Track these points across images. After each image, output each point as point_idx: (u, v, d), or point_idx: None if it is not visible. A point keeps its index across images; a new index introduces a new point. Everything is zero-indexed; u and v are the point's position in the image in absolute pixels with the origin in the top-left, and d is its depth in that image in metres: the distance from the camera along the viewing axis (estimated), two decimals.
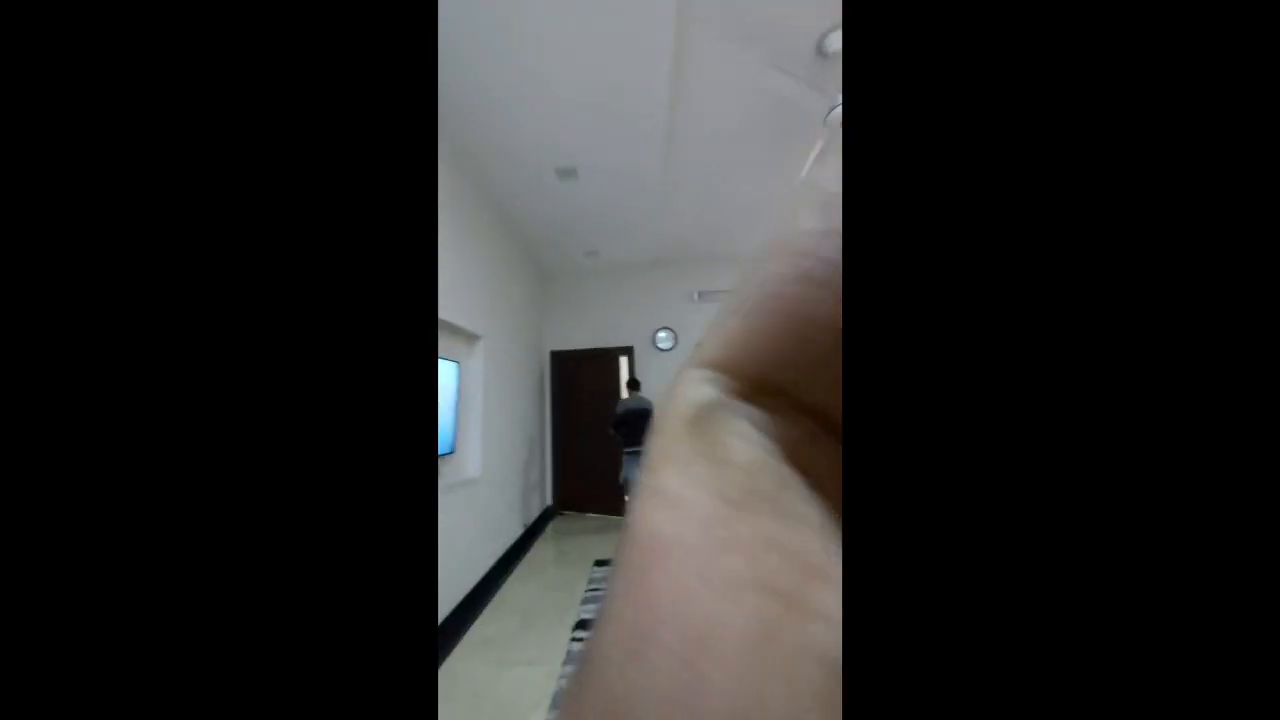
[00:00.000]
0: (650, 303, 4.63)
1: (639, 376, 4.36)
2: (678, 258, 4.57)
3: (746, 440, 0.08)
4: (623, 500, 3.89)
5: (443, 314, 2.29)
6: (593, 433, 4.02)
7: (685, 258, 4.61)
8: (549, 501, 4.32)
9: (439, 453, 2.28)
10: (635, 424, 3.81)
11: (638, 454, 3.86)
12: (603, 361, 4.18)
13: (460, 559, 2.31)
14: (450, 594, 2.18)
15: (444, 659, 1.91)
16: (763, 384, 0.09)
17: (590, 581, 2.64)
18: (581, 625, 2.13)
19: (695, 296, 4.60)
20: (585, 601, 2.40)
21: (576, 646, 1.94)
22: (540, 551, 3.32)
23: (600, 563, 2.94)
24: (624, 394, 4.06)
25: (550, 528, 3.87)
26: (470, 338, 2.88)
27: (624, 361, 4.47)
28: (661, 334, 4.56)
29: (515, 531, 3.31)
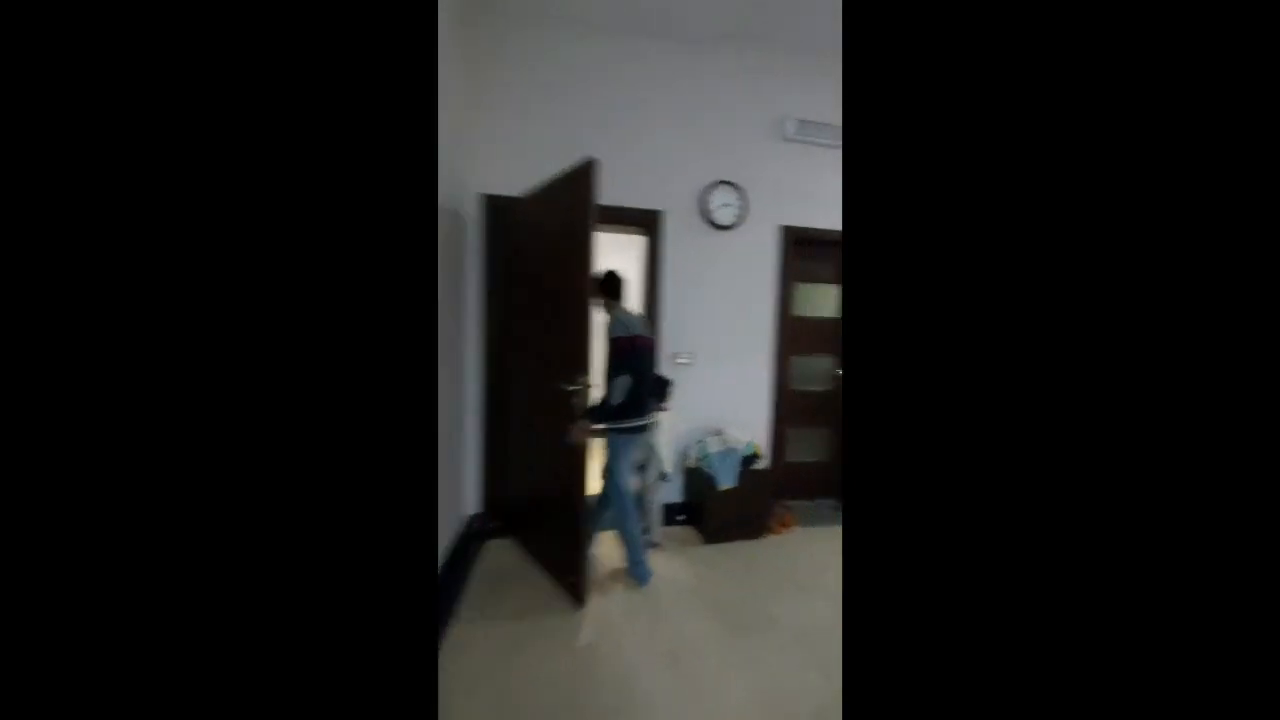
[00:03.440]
0: (706, 128, 2.29)
1: (671, 267, 2.13)
2: (772, 38, 2.22)
3: None
4: (579, 543, 1.74)
5: None
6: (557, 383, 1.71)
7: (780, 51, 2.28)
8: (471, 510, 2.11)
9: None
10: (635, 370, 1.57)
11: (638, 432, 1.15)
12: (581, 237, 1.58)
13: None
14: None
15: None
16: None
17: None
18: None
19: (789, 128, 2.36)
20: None
21: None
22: None
23: None
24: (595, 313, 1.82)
25: (472, 599, 1.69)
26: None
27: (636, 248, 1.99)
28: (718, 195, 2.30)
29: None
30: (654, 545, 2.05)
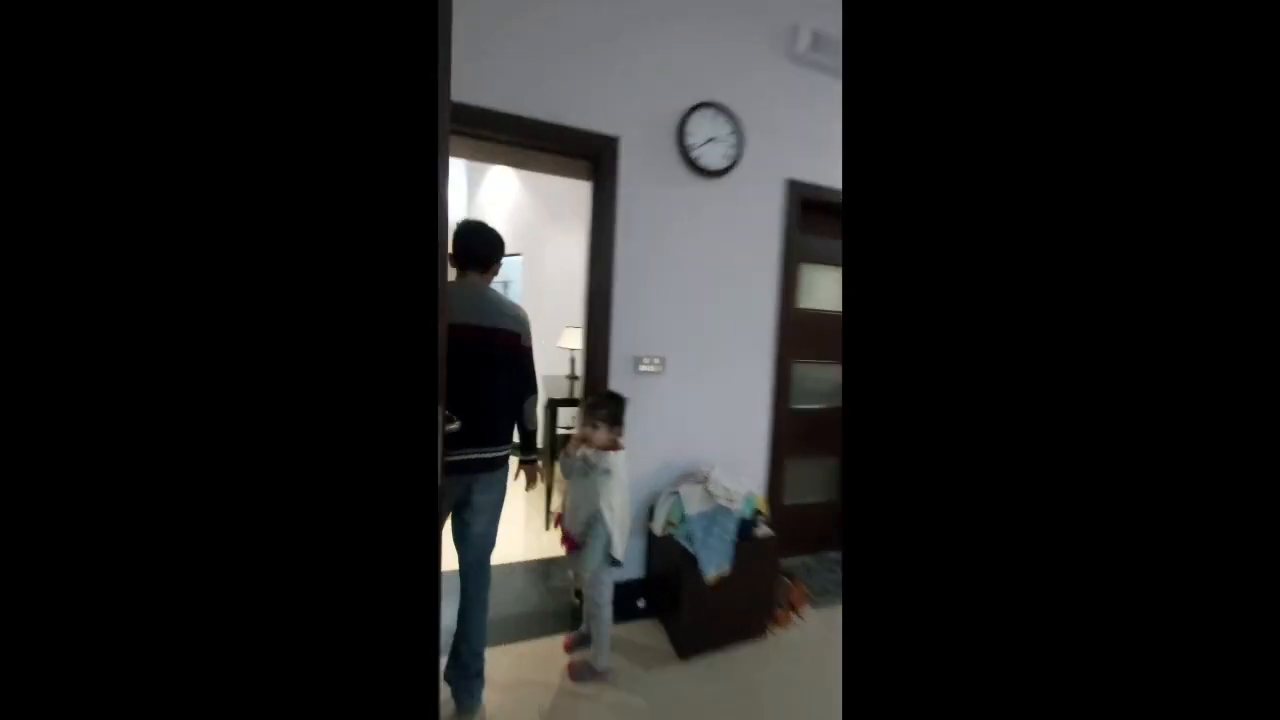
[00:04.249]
0: (681, 19, 1.52)
1: (628, 228, 1.35)
2: None
3: None
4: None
5: None
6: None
7: None
8: None
9: None
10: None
11: (451, 472, 1.00)
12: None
13: None
14: None
15: None
16: None
17: None
18: None
19: (801, 44, 1.66)
20: None
21: None
22: None
23: None
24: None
25: None
26: None
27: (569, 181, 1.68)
28: (702, 123, 1.54)
29: None
30: (598, 674, 1.26)
